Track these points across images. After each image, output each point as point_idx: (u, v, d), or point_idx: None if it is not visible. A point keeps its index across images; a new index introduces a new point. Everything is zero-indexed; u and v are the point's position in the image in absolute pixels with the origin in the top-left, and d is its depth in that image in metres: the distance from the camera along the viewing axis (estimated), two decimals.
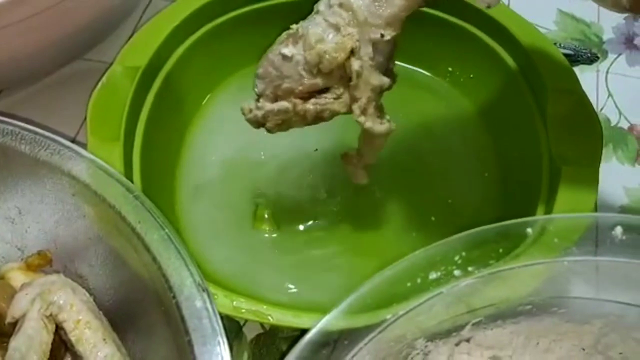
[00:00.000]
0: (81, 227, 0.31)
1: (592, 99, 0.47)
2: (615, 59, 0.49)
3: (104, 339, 0.30)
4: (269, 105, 0.31)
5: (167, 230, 0.28)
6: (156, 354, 0.30)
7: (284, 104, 0.30)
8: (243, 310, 0.30)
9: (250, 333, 0.36)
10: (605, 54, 0.49)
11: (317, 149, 0.41)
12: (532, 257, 0.26)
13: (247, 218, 0.39)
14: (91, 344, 0.30)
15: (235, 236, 0.38)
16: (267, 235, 0.38)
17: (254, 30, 0.43)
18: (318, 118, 0.31)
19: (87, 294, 0.32)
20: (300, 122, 0.31)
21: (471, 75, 0.44)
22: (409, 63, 0.45)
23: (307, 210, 0.39)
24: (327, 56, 0.29)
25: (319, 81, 0.30)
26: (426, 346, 0.30)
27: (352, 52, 0.29)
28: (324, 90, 0.31)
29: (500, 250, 0.26)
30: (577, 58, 0.49)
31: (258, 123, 0.32)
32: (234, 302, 0.30)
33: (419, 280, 0.25)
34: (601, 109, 0.46)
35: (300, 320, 0.29)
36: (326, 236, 0.38)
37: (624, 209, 0.41)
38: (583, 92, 0.38)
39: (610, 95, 0.47)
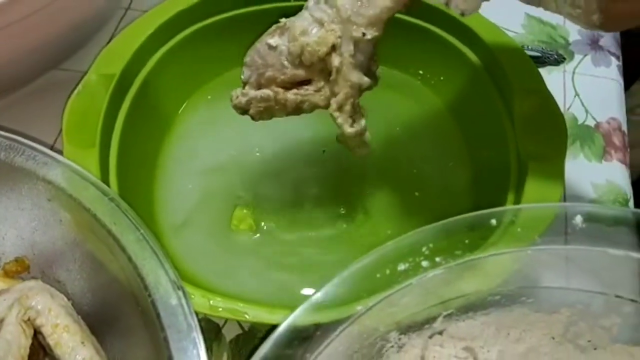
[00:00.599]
0: (58, 232, 0.31)
1: (560, 98, 0.49)
2: (582, 59, 0.51)
3: (83, 342, 0.30)
4: (252, 92, 0.32)
5: (142, 231, 0.28)
6: (135, 355, 0.31)
7: (266, 92, 0.32)
8: (220, 309, 0.30)
9: (229, 334, 0.37)
10: (571, 55, 0.51)
11: (324, 150, 0.42)
12: (499, 248, 0.27)
13: (227, 221, 0.40)
14: (69, 347, 0.30)
15: (215, 239, 0.39)
16: (246, 236, 0.39)
17: (229, 38, 0.44)
18: (298, 108, 0.32)
19: (66, 299, 0.33)
20: (282, 111, 0.33)
21: (441, 77, 0.45)
22: (382, 64, 0.46)
23: (286, 211, 0.40)
24: (308, 48, 0.30)
25: (300, 72, 0.31)
26: (400, 339, 0.30)
27: (334, 48, 0.30)
28: (306, 82, 0.32)
29: (467, 241, 0.27)
30: (544, 59, 0.50)
31: (242, 109, 0.33)
32: (211, 301, 0.30)
33: (387, 272, 0.26)
34: (568, 108, 0.48)
35: (275, 317, 0.29)
36: (305, 235, 0.39)
37: None
38: (548, 90, 0.39)
39: (577, 94, 0.49)
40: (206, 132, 0.43)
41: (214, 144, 0.43)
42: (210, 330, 0.37)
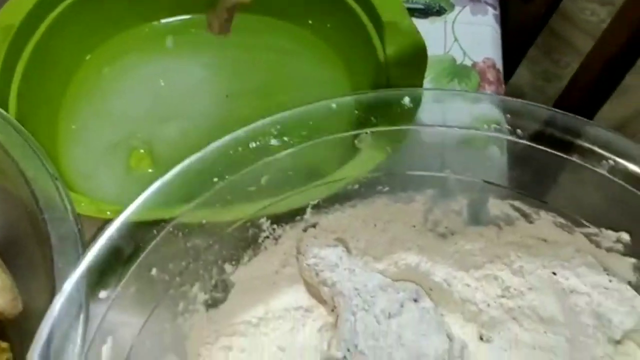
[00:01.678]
0: None
1: (440, 43, 0.54)
2: (461, 10, 0.56)
3: None
4: None
5: (24, 136, 0.31)
6: (36, 279, 0.33)
7: None
8: (108, 212, 0.33)
9: None
10: (452, 6, 0.56)
11: (227, 95, 0.46)
12: (337, 131, 0.31)
13: (126, 161, 0.42)
14: None
15: (114, 177, 0.42)
16: (144, 172, 0.42)
17: None
18: None
19: None
20: None
21: (328, 25, 0.50)
22: (276, 17, 0.50)
23: (183, 147, 0.43)
24: None
25: None
26: (274, 229, 0.34)
27: None
28: None
29: (311, 123, 0.30)
30: (427, 11, 0.56)
31: None
32: (100, 207, 0.33)
33: (240, 149, 0.29)
34: (448, 51, 0.53)
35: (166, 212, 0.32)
36: None
37: None
38: (412, 24, 0.44)
39: (456, 39, 0.54)
40: (108, 84, 0.46)
41: (116, 93, 0.46)
42: None
